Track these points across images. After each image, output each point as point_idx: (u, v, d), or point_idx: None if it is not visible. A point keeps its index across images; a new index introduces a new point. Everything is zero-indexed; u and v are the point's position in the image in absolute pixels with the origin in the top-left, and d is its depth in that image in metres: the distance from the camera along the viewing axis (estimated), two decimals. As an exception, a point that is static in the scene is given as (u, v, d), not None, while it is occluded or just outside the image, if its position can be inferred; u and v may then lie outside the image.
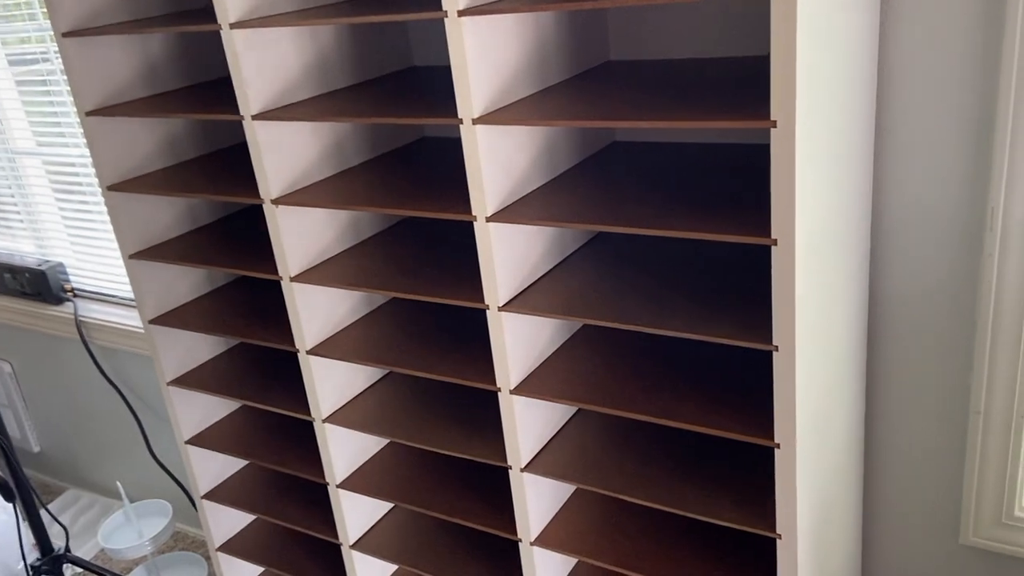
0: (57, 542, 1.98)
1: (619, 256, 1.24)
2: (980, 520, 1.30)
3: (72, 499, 2.77)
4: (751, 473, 1.14)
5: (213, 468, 1.69)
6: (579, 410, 1.34)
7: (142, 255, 1.48)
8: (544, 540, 1.26)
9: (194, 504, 2.34)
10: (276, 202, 1.25)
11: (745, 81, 1.05)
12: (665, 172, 1.16)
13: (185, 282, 1.58)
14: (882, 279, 1.26)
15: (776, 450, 0.99)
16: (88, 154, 2.22)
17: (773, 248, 0.90)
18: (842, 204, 1.05)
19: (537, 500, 1.26)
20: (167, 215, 1.53)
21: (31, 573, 1.93)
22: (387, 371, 1.51)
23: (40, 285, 2.47)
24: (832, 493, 1.16)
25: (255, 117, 1.20)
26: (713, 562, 1.18)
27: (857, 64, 1.05)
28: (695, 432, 1.25)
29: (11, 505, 2.05)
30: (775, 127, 0.85)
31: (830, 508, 1.16)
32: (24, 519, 2.00)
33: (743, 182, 1.07)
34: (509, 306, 1.11)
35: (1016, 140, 1.08)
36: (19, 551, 2.01)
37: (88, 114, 1.39)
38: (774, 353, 0.94)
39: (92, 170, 2.23)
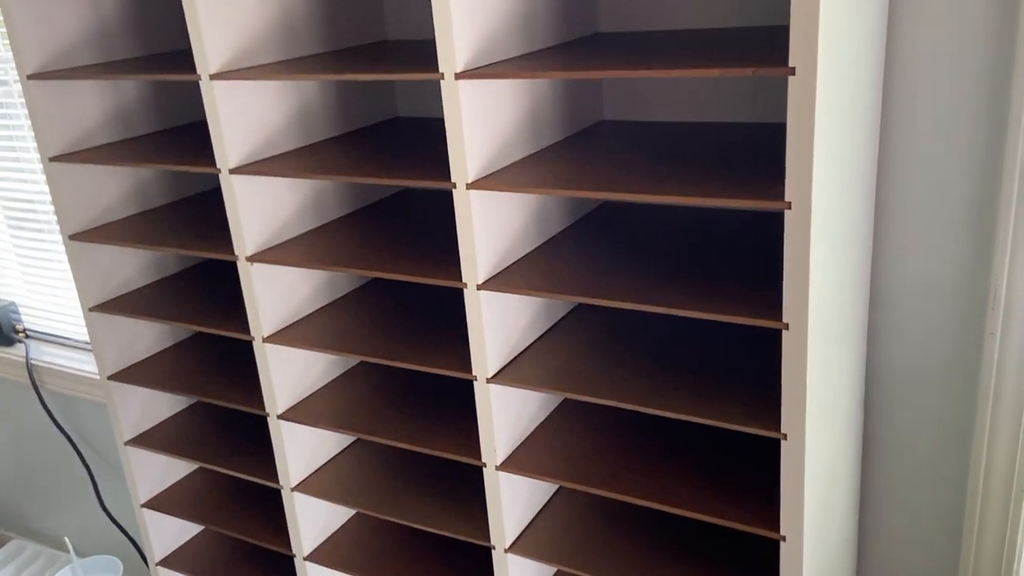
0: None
1: (609, 325, 1.19)
2: (976, 604, 1.26)
3: (16, 550, 2.62)
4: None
5: (171, 532, 1.59)
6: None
7: (103, 307, 1.39)
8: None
9: (146, 562, 2.21)
10: (251, 259, 1.18)
11: (742, 148, 1.01)
12: (659, 237, 1.12)
13: (148, 336, 1.50)
14: (879, 355, 1.23)
15: (782, 543, 0.93)
16: (47, 190, 2.12)
17: (784, 332, 0.85)
18: (846, 282, 1.02)
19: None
20: (132, 265, 1.45)
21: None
22: (356, 438, 1.43)
23: (-10, 325, 2.35)
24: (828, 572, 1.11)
25: (233, 171, 1.14)
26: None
27: (861, 141, 1.02)
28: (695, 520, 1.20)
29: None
30: (789, 209, 0.81)
31: (828, 595, 1.11)
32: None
33: (741, 252, 1.03)
34: (497, 378, 1.05)
35: (1020, 220, 1.06)
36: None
37: (52, 159, 1.32)
38: (782, 442, 0.89)
39: (50, 207, 2.14)
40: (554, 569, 1.27)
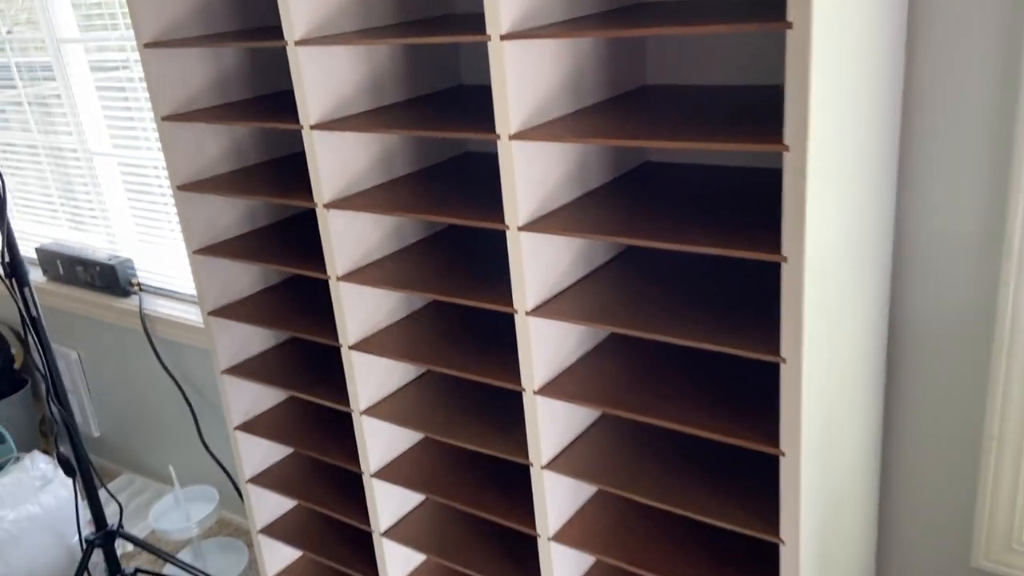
0: (111, 519, 2.11)
1: (644, 270, 1.30)
2: (991, 544, 1.32)
3: (127, 482, 2.92)
4: (764, 482, 1.19)
5: (259, 454, 1.79)
6: (602, 415, 1.40)
7: (205, 251, 1.60)
8: (561, 537, 1.32)
9: (240, 493, 2.45)
10: (328, 206, 1.35)
11: (772, 107, 1.11)
12: (691, 191, 1.22)
13: (243, 278, 1.70)
14: (903, 302, 1.30)
15: (781, 458, 1.04)
16: (159, 158, 2.36)
17: (783, 265, 0.95)
18: (859, 227, 1.10)
19: (556, 497, 1.32)
20: (229, 215, 1.65)
21: (85, 546, 2.06)
22: (423, 370, 1.59)
23: (109, 279, 2.62)
24: (841, 505, 1.21)
25: (313, 127, 1.30)
26: (725, 565, 1.22)
27: (881, 94, 1.10)
28: (714, 442, 1.30)
29: (71, 481, 2.18)
30: (787, 151, 0.91)
31: (838, 519, 1.20)
32: (82, 496, 2.13)
33: (769, 204, 1.13)
34: (535, 312, 1.19)
35: (1033, 173, 1.12)
36: (76, 525, 2.14)
37: (164, 119, 1.52)
38: (781, 365, 1.00)
39: (162, 173, 2.38)
40: (587, 485, 1.40)
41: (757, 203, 1.14)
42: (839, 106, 0.97)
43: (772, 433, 1.07)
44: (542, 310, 1.19)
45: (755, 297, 1.16)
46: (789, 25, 0.86)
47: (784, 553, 1.08)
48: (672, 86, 1.35)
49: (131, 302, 2.58)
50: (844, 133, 1.00)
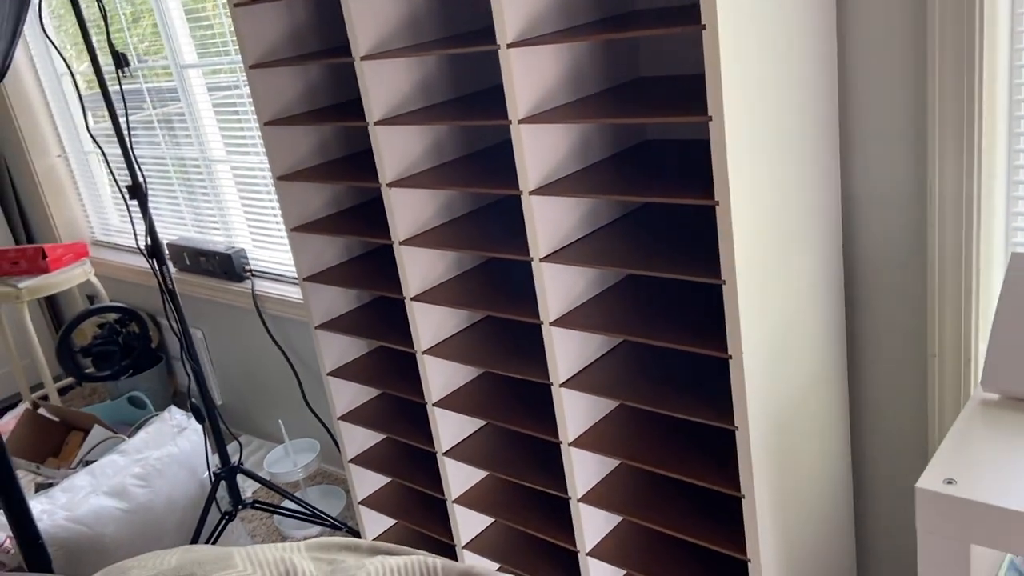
0: (234, 460, 2.55)
1: (636, 223, 1.61)
2: (943, 448, 1.56)
3: (245, 442, 3.40)
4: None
5: (347, 397, 2.19)
6: (618, 344, 1.72)
7: (300, 229, 2.00)
8: (579, 443, 1.64)
9: (337, 445, 2.86)
10: (390, 185, 1.71)
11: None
12: (671, 162, 1.53)
13: (330, 251, 2.09)
14: (854, 242, 1.56)
15: (729, 360, 1.33)
16: (264, 161, 2.81)
17: (717, 208, 1.25)
18: (798, 179, 1.38)
19: (573, 412, 1.64)
20: (318, 200, 2.05)
21: (214, 479, 2.51)
22: (477, 317, 1.94)
23: (227, 266, 3.10)
24: (801, 406, 1.48)
25: (376, 123, 1.67)
26: (707, 453, 1.52)
27: (814, 77, 1.38)
28: (693, 355, 1.60)
29: (201, 428, 2.65)
30: (711, 120, 1.21)
31: (797, 418, 1.48)
32: (212, 443, 2.59)
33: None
34: (549, 258, 1.52)
35: (943, 139, 1.38)
36: (205, 462, 2.60)
37: (266, 124, 1.93)
38: (723, 286, 1.29)
39: (267, 175, 2.83)
40: (603, 400, 1.71)
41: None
42: (760, 85, 1.26)
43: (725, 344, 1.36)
44: (552, 257, 1.52)
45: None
46: (704, 27, 1.17)
47: (739, 437, 1.37)
48: (662, 77, 1.66)
49: (245, 286, 3.04)
50: (768, 105, 1.29)
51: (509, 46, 1.39)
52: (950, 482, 1.05)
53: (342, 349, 2.16)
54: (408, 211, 1.76)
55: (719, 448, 1.56)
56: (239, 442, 2.59)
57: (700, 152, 1.57)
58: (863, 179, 1.52)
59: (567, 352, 1.61)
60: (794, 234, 1.41)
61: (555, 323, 1.57)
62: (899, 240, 1.51)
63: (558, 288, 1.57)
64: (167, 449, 2.52)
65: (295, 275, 2.93)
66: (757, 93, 1.26)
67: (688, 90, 1.47)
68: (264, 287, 2.98)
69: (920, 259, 1.50)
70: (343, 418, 2.18)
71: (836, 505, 1.67)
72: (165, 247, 3.40)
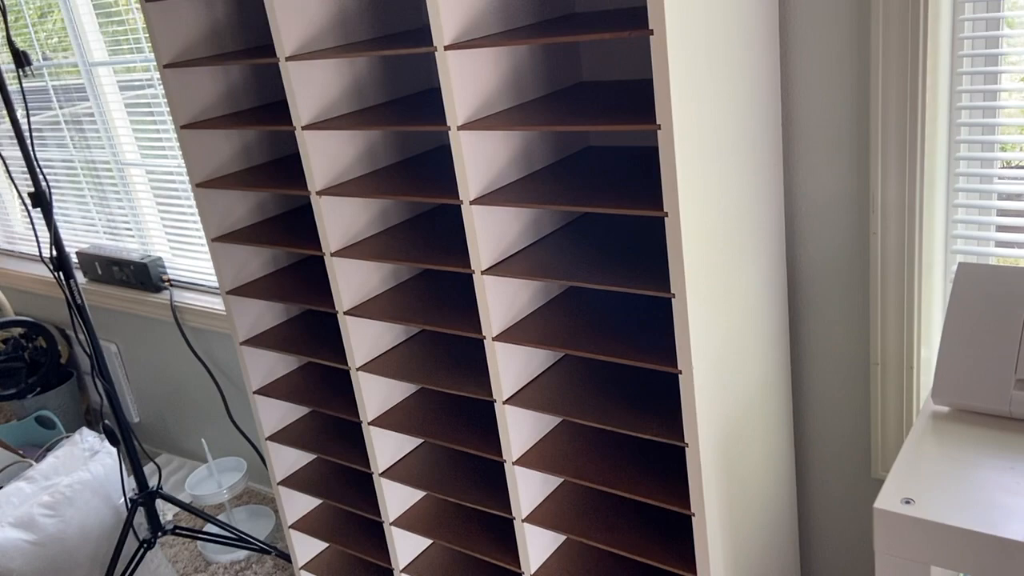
0: (152, 485, 2.40)
1: (580, 234, 1.56)
2: (886, 457, 1.56)
3: (165, 461, 3.23)
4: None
5: (276, 416, 2.07)
6: (560, 359, 1.66)
7: (222, 239, 1.88)
8: (523, 461, 1.58)
9: (264, 462, 2.73)
10: (320, 193, 1.62)
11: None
12: (615, 168, 1.48)
13: (254, 262, 1.98)
14: (797, 250, 1.55)
15: (679, 375, 1.29)
16: (182, 164, 2.66)
17: (666, 219, 1.21)
18: (744, 189, 1.35)
19: (517, 429, 1.58)
20: (241, 208, 1.93)
21: (130, 505, 2.36)
22: (413, 331, 1.86)
23: (142, 276, 2.93)
24: (748, 417, 1.45)
25: (304, 127, 1.58)
26: (655, 472, 1.48)
27: (758, 85, 1.35)
28: (639, 370, 1.56)
29: (115, 450, 2.48)
30: (660, 129, 1.16)
31: (745, 429, 1.45)
32: (127, 467, 2.43)
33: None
34: (490, 271, 1.45)
35: (886, 147, 1.36)
36: (121, 488, 2.44)
37: (182, 127, 1.80)
38: (673, 300, 1.25)
39: (185, 179, 2.68)
40: (543, 417, 1.65)
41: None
42: (706, 93, 1.22)
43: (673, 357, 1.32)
44: (495, 269, 1.45)
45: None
46: (651, 32, 1.12)
47: (688, 454, 1.33)
48: (603, 82, 1.61)
49: (163, 296, 2.88)
50: (715, 114, 1.25)
51: (447, 48, 1.32)
52: (908, 502, 1.03)
53: (270, 365, 2.05)
54: (340, 220, 1.67)
55: (666, 462, 1.52)
56: (157, 465, 2.44)
57: (642, 159, 1.52)
58: (806, 188, 1.50)
59: (510, 367, 1.55)
60: (742, 245, 1.38)
61: (498, 338, 1.50)
62: (841, 248, 1.50)
63: (501, 301, 1.50)
64: (78, 474, 2.35)
65: (217, 285, 2.78)
66: (704, 101, 1.22)
67: (631, 96, 1.42)
68: (184, 298, 2.82)
69: (862, 266, 1.49)
70: (272, 438, 2.06)
71: (781, 517, 1.65)
72: (75, 256, 3.20)
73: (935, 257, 1.45)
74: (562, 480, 1.71)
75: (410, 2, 1.78)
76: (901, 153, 1.37)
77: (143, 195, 2.92)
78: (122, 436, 2.32)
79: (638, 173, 1.43)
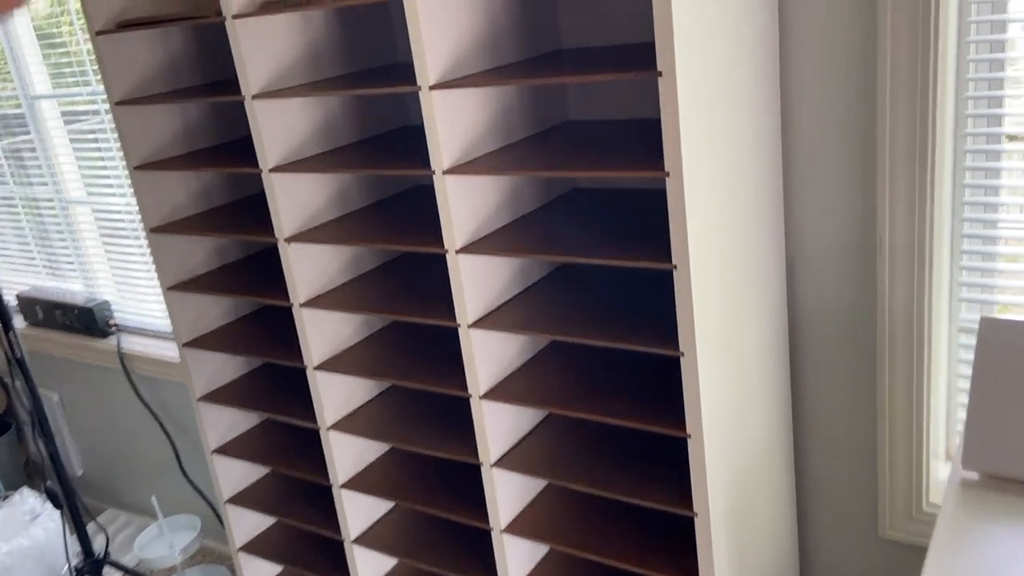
0: (98, 550, 2.22)
1: (572, 284, 1.46)
2: (895, 516, 1.48)
3: (111, 517, 3.02)
4: (683, 466, 1.35)
5: (235, 476, 1.92)
6: (545, 417, 1.55)
7: (178, 288, 1.74)
8: (512, 528, 1.46)
9: (219, 518, 2.56)
10: (289, 240, 1.49)
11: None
12: (609, 213, 1.39)
13: (214, 311, 1.83)
14: (799, 299, 1.47)
15: (688, 440, 1.19)
16: (132, 202, 2.50)
17: (675, 272, 1.12)
18: (747, 236, 1.27)
19: (505, 493, 1.46)
20: (199, 254, 1.79)
21: (74, 574, 2.17)
22: (384, 386, 1.74)
23: (87, 320, 2.74)
24: (753, 482, 1.36)
25: (272, 170, 1.46)
26: (656, 542, 1.37)
27: (759, 125, 1.27)
28: (640, 432, 1.46)
29: (59, 514, 2.29)
30: (668, 176, 1.08)
31: (751, 495, 1.35)
32: (71, 529, 2.24)
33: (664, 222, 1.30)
34: (477, 324, 1.34)
35: (894, 190, 1.30)
36: (64, 555, 2.25)
37: (136, 168, 1.66)
38: (681, 358, 1.15)
39: (136, 217, 2.52)
40: (533, 481, 1.54)
41: (665, 221, 1.31)
42: (712, 136, 1.14)
43: (681, 420, 1.22)
44: (482, 323, 1.35)
45: (667, 301, 1.32)
46: (659, 73, 1.03)
47: (698, 524, 1.23)
48: (592, 121, 1.52)
49: (109, 342, 2.70)
50: (720, 159, 1.17)
51: (432, 88, 1.22)
52: (953, 585, 0.94)
53: (229, 422, 1.90)
54: (310, 268, 1.55)
55: (662, 519, 1.41)
56: (100, 526, 2.25)
57: (631, 202, 1.43)
58: (805, 232, 1.42)
59: (497, 427, 1.43)
60: (748, 298, 1.30)
61: (486, 396, 1.39)
62: (845, 293, 1.42)
63: (489, 356, 1.39)
64: (18, 541, 2.15)
65: (170, 330, 2.61)
66: (711, 145, 1.14)
67: (621, 136, 1.34)
68: (133, 343, 2.64)
69: (868, 313, 1.42)
70: (232, 500, 1.91)
71: (784, 577, 1.56)
72: (14, 300, 3.00)
73: (943, 304, 1.39)
74: (546, 483, 1.59)
75: (384, 37, 1.68)
76: (910, 197, 1.31)
77: (88, 234, 2.75)
78: (66, 498, 2.14)
79: (630, 217, 1.34)
